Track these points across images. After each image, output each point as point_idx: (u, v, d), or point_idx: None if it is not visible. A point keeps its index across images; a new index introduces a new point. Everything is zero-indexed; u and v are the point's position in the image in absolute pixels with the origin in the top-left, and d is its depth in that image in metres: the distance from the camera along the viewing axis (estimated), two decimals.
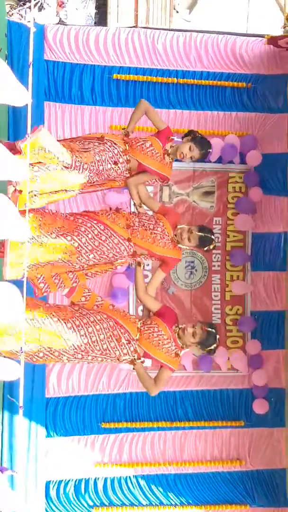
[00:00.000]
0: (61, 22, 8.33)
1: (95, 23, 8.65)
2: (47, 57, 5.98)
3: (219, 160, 6.32)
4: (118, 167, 4.37)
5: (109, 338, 4.15)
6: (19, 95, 2.90)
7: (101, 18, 8.62)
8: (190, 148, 4.46)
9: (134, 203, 4.62)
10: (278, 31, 6.36)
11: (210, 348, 4.29)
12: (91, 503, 5.98)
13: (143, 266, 4.54)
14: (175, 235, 4.45)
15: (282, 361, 6.28)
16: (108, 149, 4.32)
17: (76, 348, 4.08)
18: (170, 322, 4.32)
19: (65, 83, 6.03)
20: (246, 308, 6.37)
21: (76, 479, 6.00)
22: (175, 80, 6.20)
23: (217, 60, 6.24)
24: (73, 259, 4.20)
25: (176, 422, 6.16)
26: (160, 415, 6.17)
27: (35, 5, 8.10)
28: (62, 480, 5.97)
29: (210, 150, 4.60)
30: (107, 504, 6.00)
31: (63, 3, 8.53)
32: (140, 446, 6.12)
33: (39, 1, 8.28)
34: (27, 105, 3.05)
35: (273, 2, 8.39)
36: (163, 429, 6.15)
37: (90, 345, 4.11)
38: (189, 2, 8.92)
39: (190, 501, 6.12)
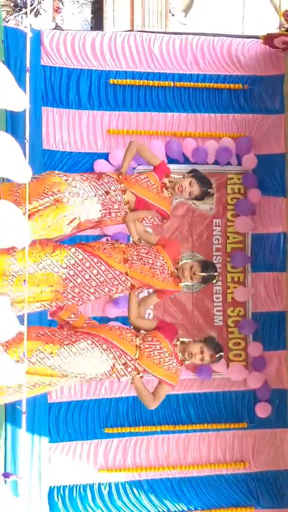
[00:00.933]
0: (57, 27, 8.33)
1: (91, 27, 8.64)
2: (44, 62, 5.98)
3: (217, 162, 6.32)
4: (111, 195, 4.22)
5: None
6: (18, 100, 2.89)
7: (97, 22, 8.61)
8: (190, 183, 4.37)
9: (133, 240, 4.44)
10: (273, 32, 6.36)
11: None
12: (96, 509, 5.96)
13: (138, 292, 4.42)
14: (176, 269, 4.35)
15: (284, 361, 6.26)
16: (103, 183, 4.23)
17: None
18: (171, 337, 4.23)
19: (62, 88, 6.03)
20: (247, 309, 6.36)
21: (80, 485, 5.98)
22: (171, 83, 6.19)
23: (213, 63, 6.24)
24: (59, 293, 4.07)
25: (179, 425, 6.15)
26: (163, 419, 6.15)
27: (31, 11, 8.12)
28: (66, 486, 5.95)
29: (211, 191, 4.52)
30: (112, 509, 5.98)
31: (59, 8, 8.54)
32: (144, 450, 6.10)
33: (35, 7, 8.28)
34: (25, 110, 3.05)
35: (268, 3, 8.39)
36: (166, 432, 6.14)
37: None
38: (184, 5, 8.92)
39: (195, 505, 6.09)
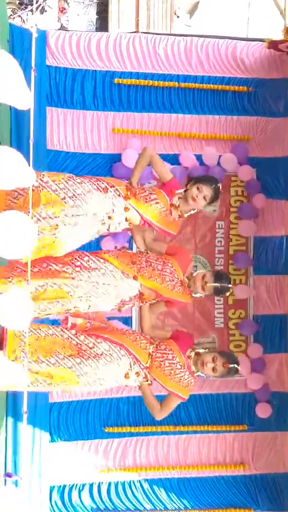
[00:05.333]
0: (62, 27, 8.35)
1: (96, 28, 8.67)
2: (49, 62, 5.98)
3: (218, 163, 6.30)
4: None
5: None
6: (24, 98, 2.88)
7: (102, 23, 8.64)
8: (198, 189, 4.23)
9: (139, 250, 4.31)
10: (278, 34, 6.37)
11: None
12: (95, 508, 5.98)
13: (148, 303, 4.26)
14: (187, 278, 4.20)
15: (285, 364, 6.28)
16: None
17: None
18: (185, 347, 4.10)
19: (67, 88, 6.03)
20: (248, 312, 6.37)
21: (80, 484, 6.00)
22: (176, 84, 6.19)
23: (218, 65, 6.24)
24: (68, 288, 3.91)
25: (179, 426, 6.15)
26: (163, 419, 6.09)
27: (36, 8, 8.13)
28: (66, 485, 5.96)
29: (220, 185, 4.39)
30: (111, 508, 6.00)
31: (64, 9, 8.55)
32: (144, 450, 6.11)
33: (40, 4, 8.30)
34: (29, 110, 3.04)
35: (273, 5, 8.40)
36: (166, 433, 6.15)
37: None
38: (189, 6, 8.93)
39: (194, 505, 6.12)
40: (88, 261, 4.01)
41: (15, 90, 2.77)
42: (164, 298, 4.22)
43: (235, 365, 4.08)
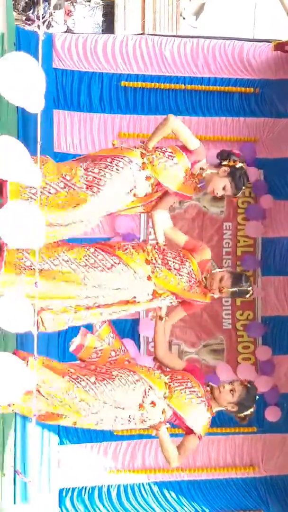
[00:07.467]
0: (68, 30, 8.37)
1: (102, 31, 8.68)
2: (55, 65, 6.01)
3: None
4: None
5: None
6: (36, 101, 2.89)
7: (108, 26, 8.65)
8: (224, 188, 3.87)
9: (157, 242, 3.98)
10: (284, 36, 6.37)
11: (246, 412, 3.91)
12: (105, 511, 5.96)
13: (165, 320, 3.97)
14: (205, 278, 3.91)
15: None
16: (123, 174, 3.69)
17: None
18: (202, 380, 3.88)
19: (73, 91, 6.06)
20: (256, 313, 6.35)
21: (90, 487, 5.99)
22: (183, 86, 6.20)
23: (224, 66, 6.25)
24: (78, 291, 3.68)
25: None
26: None
27: (43, 23, 8.15)
28: (75, 488, 5.95)
29: (244, 188, 3.98)
30: (121, 511, 5.98)
31: (70, 12, 8.57)
32: (153, 452, 6.08)
33: (47, 19, 8.32)
34: (36, 113, 3.05)
35: (279, 6, 8.39)
36: (176, 435, 6.09)
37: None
38: (195, 8, 8.93)
39: (204, 508, 6.09)
40: (102, 259, 3.73)
41: (29, 93, 2.77)
42: (179, 297, 3.93)
43: (254, 386, 3.91)
